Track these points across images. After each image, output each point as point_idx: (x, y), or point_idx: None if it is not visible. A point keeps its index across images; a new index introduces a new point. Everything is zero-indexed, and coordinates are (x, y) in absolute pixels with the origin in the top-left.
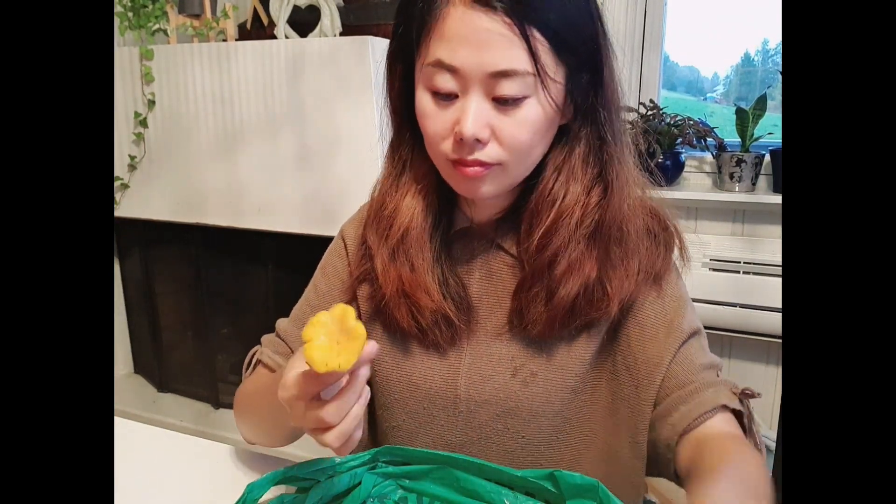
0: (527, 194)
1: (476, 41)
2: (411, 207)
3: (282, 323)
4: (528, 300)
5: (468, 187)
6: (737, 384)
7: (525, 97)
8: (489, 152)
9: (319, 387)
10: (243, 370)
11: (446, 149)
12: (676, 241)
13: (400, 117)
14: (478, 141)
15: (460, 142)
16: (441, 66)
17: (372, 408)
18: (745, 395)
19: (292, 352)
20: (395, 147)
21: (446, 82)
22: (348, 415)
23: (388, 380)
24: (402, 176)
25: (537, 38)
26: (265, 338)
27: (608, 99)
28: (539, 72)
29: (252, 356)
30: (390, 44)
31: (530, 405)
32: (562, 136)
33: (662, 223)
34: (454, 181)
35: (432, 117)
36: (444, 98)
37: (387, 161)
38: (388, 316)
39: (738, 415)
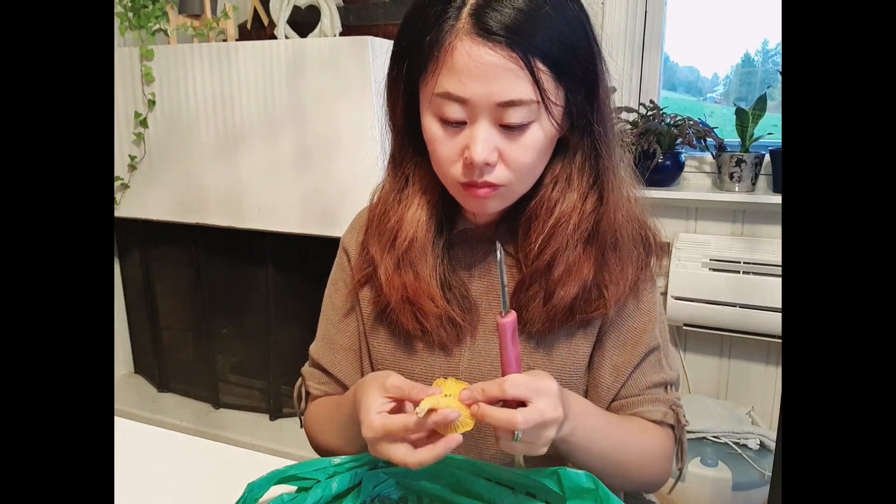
0: (525, 199)
1: (483, 74)
2: (415, 219)
3: (313, 349)
4: (527, 300)
5: (477, 206)
6: (678, 402)
7: (530, 122)
8: (497, 174)
9: (413, 432)
10: (295, 402)
11: (456, 172)
12: (655, 251)
13: (402, 134)
14: (487, 164)
15: (470, 166)
16: (450, 97)
17: None
18: (677, 415)
19: (330, 377)
20: (397, 162)
21: (455, 112)
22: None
23: None
24: (406, 189)
25: (540, 67)
26: (306, 370)
27: (603, 114)
28: (543, 99)
29: (299, 388)
30: (392, 66)
31: None
32: (559, 149)
33: (646, 231)
34: (464, 201)
35: (442, 143)
36: (454, 126)
37: (388, 175)
38: (393, 320)
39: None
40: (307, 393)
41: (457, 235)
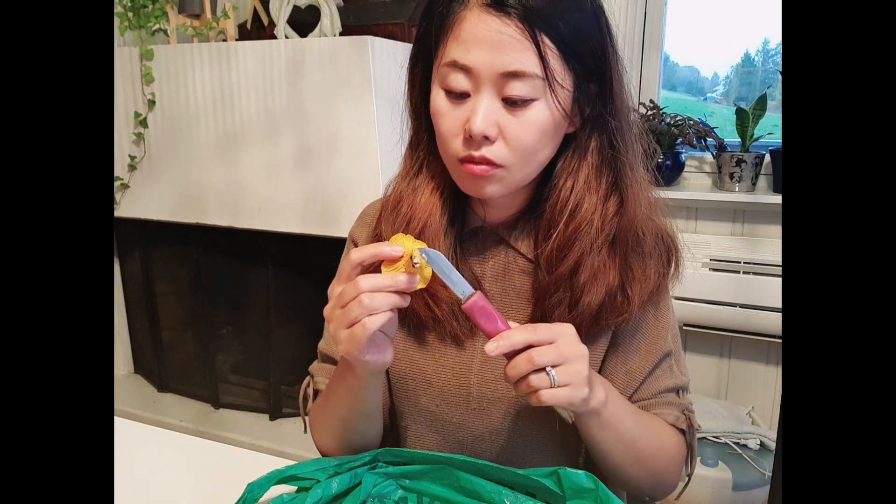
0: (540, 200)
1: (489, 43)
2: (428, 205)
3: (322, 344)
4: (552, 307)
5: (474, 186)
6: (690, 407)
7: (533, 99)
8: (496, 152)
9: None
10: (301, 405)
11: (457, 147)
12: (675, 255)
13: (419, 118)
14: (486, 139)
15: (469, 139)
16: (455, 66)
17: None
18: (690, 420)
19: None
20: (413, 147)
21: (460, 82)
22: (373, 316)
23: (403, 376)
24: (420, 175)
25: (547, 44)
26: (314, 367)
27: (618, 109)
28: (547, 76)
29: (305, 389)
30: (413, 47)
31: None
32: (571, 145)
33: (664, 233)
34: (462, 181)
35: (445, 115)
36: (458, 97)
37: (404, 160)
38: (405, 309)
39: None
40: (315, 392)
41: (468, 233)
